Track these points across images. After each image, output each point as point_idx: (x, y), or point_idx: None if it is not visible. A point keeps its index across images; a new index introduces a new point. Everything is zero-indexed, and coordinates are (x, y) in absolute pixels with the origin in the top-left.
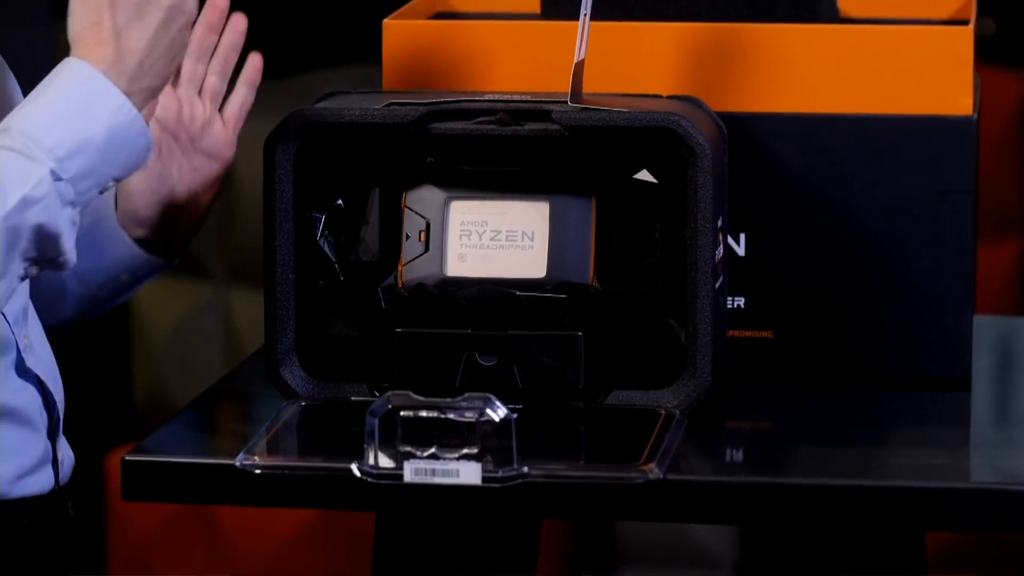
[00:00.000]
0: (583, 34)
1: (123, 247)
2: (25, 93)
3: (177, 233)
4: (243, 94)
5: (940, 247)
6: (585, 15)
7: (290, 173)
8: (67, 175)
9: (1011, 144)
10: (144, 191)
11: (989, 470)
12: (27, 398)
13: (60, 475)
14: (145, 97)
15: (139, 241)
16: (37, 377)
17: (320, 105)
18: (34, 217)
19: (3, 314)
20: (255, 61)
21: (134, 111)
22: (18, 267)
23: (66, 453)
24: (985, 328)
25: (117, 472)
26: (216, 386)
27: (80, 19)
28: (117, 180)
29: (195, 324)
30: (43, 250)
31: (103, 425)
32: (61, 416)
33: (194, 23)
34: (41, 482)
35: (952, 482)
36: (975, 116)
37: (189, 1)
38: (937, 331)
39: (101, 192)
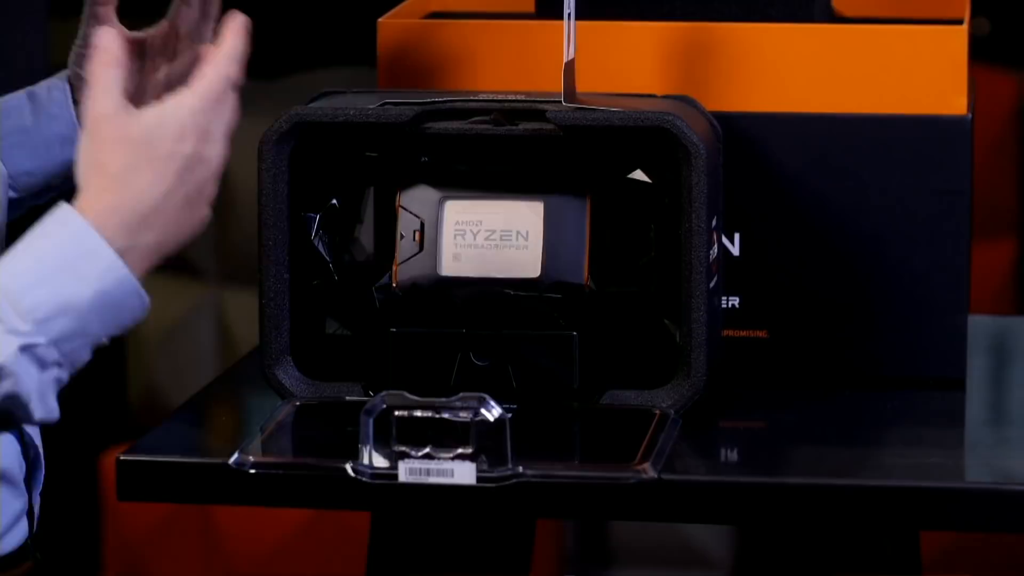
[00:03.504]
0: (570, 34)
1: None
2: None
3: None
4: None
5: (935, 247)
6: (569, 14)
7: (284, 173)
8: (48, 337)
9: (1006, 144)
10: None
11: (983, 470)
12: (7, 451)
13: (33, 522)
14: (150, 253)
15: None
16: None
17: (314, 105)
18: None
19: None
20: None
21: (125, 271)
22: None
23: (36, 500)
24: (980, 328)
25: (112, 472)
26: (210, 386)
27: (85, 157)
28: (113, 337)
29: (189, 324)
30: (10, 413)
31: (98, 425)
32: (43, 464)
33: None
34: (19, 536)
35: (946, 482)
36: (969, 116)
37: (213, 148)
38: (932, 331)
39: (96, 348)
